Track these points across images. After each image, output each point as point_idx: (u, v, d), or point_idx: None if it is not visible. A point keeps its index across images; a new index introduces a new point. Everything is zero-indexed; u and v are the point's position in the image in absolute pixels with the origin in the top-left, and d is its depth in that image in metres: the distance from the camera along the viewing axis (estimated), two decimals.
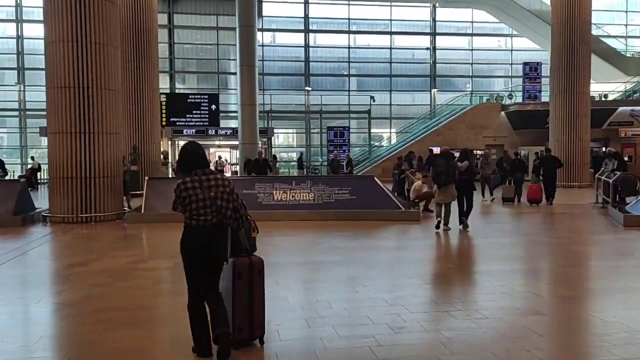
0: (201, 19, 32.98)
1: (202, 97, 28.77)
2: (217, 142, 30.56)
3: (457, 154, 11.02)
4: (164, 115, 27.99)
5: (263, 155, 15.14)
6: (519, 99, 30.13)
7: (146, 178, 12.35)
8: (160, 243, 9.36)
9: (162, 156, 22.07)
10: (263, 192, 11.91)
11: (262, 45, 32.98)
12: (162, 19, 32.54)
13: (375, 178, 12.48)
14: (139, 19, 18.09)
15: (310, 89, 33.03)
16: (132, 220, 11.33)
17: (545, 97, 31.35)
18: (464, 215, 10.17)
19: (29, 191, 12.08)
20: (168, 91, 31.27)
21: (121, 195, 12.18)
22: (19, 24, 30.28)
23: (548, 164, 15.51)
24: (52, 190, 11.51)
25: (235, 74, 27.76)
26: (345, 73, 34.10)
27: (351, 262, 7.37)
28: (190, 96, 29.01)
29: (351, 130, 29.86)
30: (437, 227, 9.92)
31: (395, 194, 14.47)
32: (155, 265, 7.35)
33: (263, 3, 32.74)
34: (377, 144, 33.50)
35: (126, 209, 12.62)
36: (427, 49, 34.56)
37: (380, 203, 11.76)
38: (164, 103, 28.12)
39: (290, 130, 35.13)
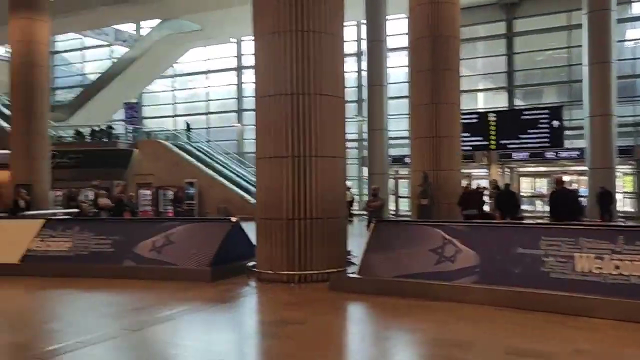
0: (547, 20, 27.09)
1: (540, 112, 22.95)
2: (559, 168, 23.96)
3: None
4: (492, 137, 23.48)
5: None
6: None
7: (374, 221, 8.25)
8: None
9: (490, 186, 18.26)
10: (554, 252, 6.34)
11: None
12: (500, 28, 28.22)
13: None
14: (436, 26, 14.84)
15: None
16: (337, 286, 7.44)
17: None
18: None
19: (244, 234, 9.50)
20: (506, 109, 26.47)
21: (340, 243, 8.42)
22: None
23: None
24: (260, 234, 8.68)
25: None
26: None
27: None
28: (524, 112, 23.52)
29: None
30: None
31: None
32: None
33: None
34: None
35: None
36: None
37: None
38: (493, 123, 23.63)
39: None
